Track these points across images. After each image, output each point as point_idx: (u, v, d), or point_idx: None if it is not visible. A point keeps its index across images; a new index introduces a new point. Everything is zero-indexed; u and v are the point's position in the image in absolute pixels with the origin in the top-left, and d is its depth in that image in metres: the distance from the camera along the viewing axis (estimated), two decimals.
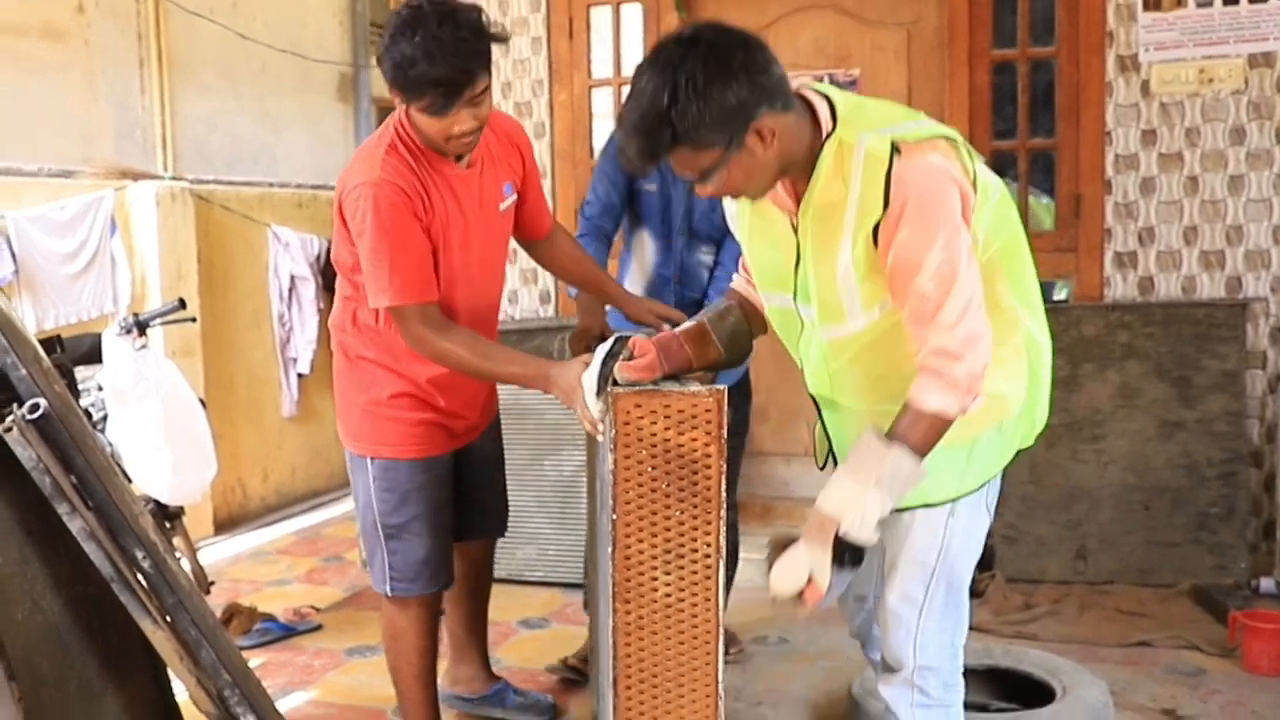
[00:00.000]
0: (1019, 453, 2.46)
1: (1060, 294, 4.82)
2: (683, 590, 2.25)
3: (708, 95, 2.03)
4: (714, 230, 3.74)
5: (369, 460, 3.17)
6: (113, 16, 6.14)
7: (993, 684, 3.56)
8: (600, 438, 2.32)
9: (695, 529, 2.24)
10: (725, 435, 2.22)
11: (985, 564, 4.88)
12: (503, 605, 4.70)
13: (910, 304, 2.15)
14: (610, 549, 2.22)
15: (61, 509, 2.52)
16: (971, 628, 4.15)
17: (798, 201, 2.25)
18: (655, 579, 2.24)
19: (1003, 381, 2.29)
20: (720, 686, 2.27)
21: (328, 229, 6.84)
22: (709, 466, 2.22)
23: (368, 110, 7.97)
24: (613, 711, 2.27)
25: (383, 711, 3.78)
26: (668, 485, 2.22)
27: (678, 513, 2.23)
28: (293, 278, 6.58)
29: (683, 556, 2.25)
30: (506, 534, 3.66)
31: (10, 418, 2.46)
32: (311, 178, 7.32)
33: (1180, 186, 4.84)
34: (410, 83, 2.74)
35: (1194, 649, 4.08)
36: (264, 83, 7.19)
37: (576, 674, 3.94)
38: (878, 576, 2.55)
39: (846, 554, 2.13)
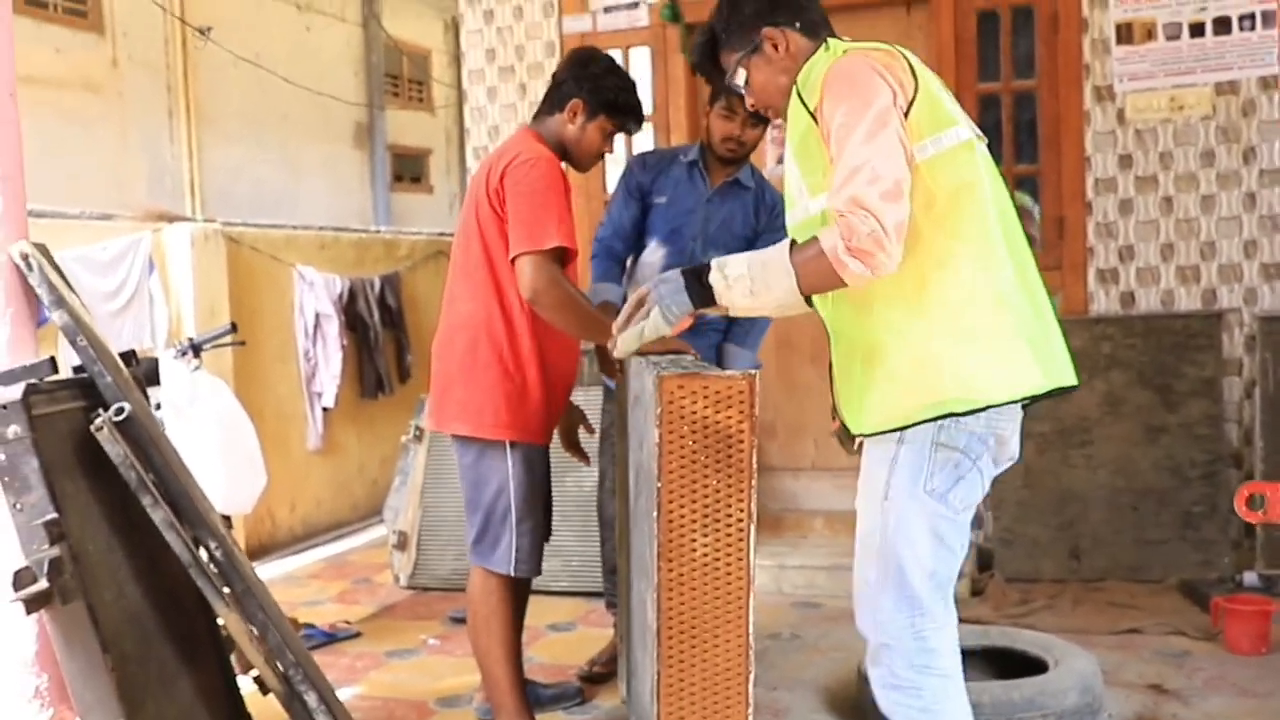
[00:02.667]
0: (949, 416, 2.43)
1: None
2: (718, 550, 2.53)
3: (733, 5, 2.64)
4: (733, 240, 3.95)
5: (508, 445, 3.42)
6: (145, 70, 6.50)
7: (989, 663, 3.83)
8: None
9: (730, 496, 2.52)
10: (756, 413, 2.50)
11: (984, 564, 5.18)
12: (531, 612, 4.92)
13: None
14: (655, 514, 2.50)
15: (145, 501, 2.79)
16: (971, 621, 4.45)
17: None
18: (694, 540, 2.52)
19: (918, 326, 2.43)
20: (750, 637, 2.55)
21: (350, 269, 7.21)
22: (742, 441, 2.51)
23: (383, 156, 8.33)
24: (655, 660, 2.54)
25: (424, 703, 4.05)
26: (705, 457, 2.51)
27: (714, 482, 2.51)
28: (317, 315, 6.87)
29: (719, 520, 2.53)
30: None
31: (100, 418, 2.75)
32: (332, 220, 7.63)
33: (1156, 206, 5.19)
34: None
35: (1180, 634, 4.36)
36: (285, 131, 7.54)
37: (600, 677, 4.19)
38: None
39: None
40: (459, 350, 3.46)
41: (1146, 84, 5.15)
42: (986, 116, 5.47)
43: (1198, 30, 5.06)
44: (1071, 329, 5.08)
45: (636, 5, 5.82)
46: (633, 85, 3.58)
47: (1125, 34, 5.15)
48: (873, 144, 2.33)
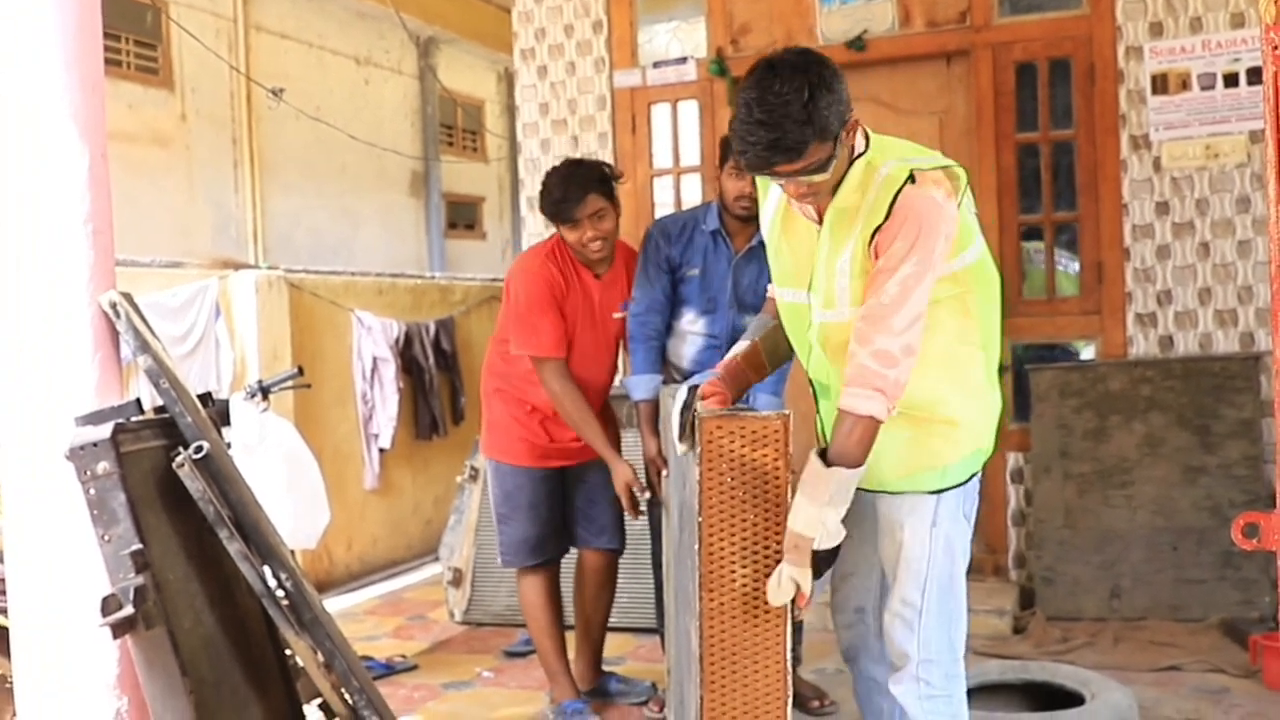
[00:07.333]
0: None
1: (1087, 353, 5.27)
2: (757, 580, 2.68)
3: (828, 100, 2.49)
4: (757, 300, 4.04)
5: (490, 461, 4.36)
6: (211, 123, 6.78)
7: (1028, 697, 3.93)
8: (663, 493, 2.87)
9: (767, 530, 2.67)
10: (791, 451, 2.66)
11: (1026, 603, 5.27)
12: None
13: (870, 302, 2.58)
14: (697, 547, 2.65)
15: (222, 533, 2.97)
16: (1011, 657, 4.53)
17: (821, 214, 2.72)
18: (734, 571, 2.67)
19: (973, 410, 2.82)
20: (788, 663, 2.68)
21: (407, 313, 7.44)
22: (778, 477, 2.66)
23: (438, 204, 8.58)
24: (699, 685, 2.69)
25: None
26: (744, 493, 2.66)
27: (752, 516, 2.66)
28: (375, 359, 7.08)
29: (757, 552, 2.68)
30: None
31: (181, 456, 2.94)
32: (389, 266, 7.88)
33: (1193, 252, 5.30)
34: (546, 206, 4.04)
35: (1219, 671, 4.44)
36: (343, 181, 7.80)
37: None
38: (877, 591, 3.00)
39: (821, 562, 2.63)
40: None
41: (1182, 133, 5.28)
42: (1026, 164, 5.62)
43: (1231, 80, 5.18)
44: (1111, 372, 5.25)
45: (685, 60, 6.03)
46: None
47: (1160, 85, 5.29)
48: (924, 296, 2.57)
